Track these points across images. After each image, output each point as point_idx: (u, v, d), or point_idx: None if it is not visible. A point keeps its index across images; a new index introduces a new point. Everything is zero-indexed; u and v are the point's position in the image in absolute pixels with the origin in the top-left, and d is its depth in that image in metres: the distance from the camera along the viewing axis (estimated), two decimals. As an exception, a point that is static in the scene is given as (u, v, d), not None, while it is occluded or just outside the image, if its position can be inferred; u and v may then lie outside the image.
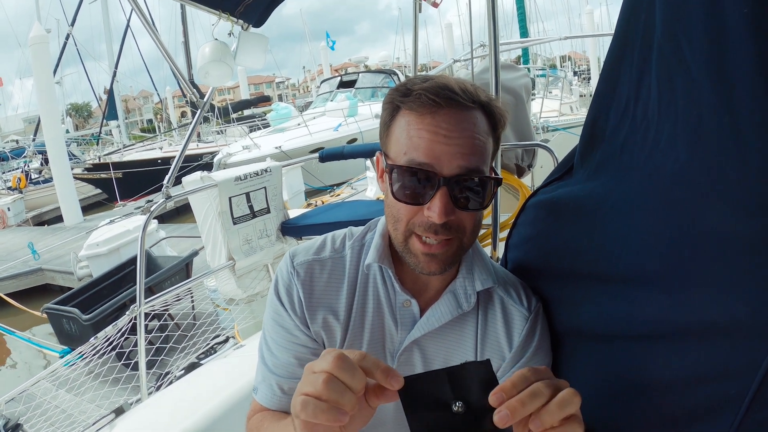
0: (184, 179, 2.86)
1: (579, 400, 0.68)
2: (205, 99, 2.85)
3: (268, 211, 2.99)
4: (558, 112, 13.03)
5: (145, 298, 2.33)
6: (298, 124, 13.77)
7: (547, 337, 1.07)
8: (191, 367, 2.72)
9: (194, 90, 3.02)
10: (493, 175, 0.93)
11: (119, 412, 1.73)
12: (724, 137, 0.70)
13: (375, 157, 1.02)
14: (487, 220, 3.34)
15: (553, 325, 1.08)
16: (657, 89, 0.82)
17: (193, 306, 4.78)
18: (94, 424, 1.67)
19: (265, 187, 2.95)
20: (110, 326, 2.24)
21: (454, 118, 0.87)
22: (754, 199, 0.68)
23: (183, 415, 1.64)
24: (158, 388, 2.65)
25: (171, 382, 2.29)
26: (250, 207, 2.89)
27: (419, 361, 1.04)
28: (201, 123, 17.63)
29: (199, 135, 18.79)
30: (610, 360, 0.94)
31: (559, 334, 1.08)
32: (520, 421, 0.65)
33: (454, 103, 0.86)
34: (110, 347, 2.42)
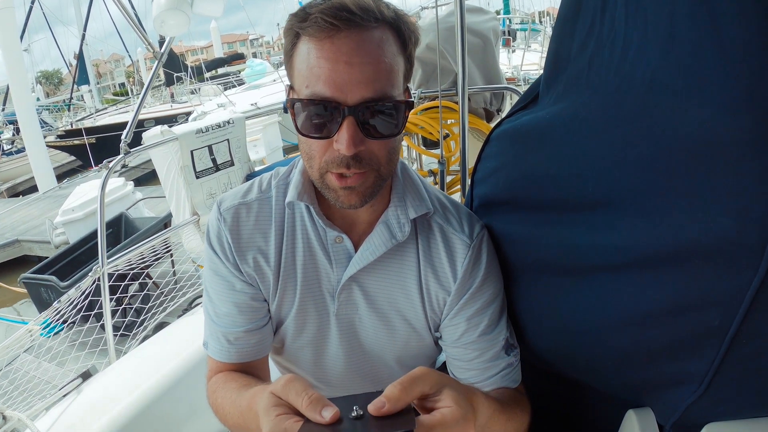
0: (145, 134, 2.78)
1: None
2: (162, 49, 2.75)
3: (232, 164, 2.91)
4: (538, 66, 12.88)
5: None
6: (274, 80, 13.48)
7: (495, 268, 1.03)
8: (159, 327, 2.69)
9: (150, 41, 2.90)
10: (405, 98, 0.86)
11: (86, 376, 1.68)
12: (702, 36, 0.62)
13: (286, 89, 0.94)
14: (456, 166, 3.32)
15: (512, 261, 1.04)
16: None
17: (172, 264, 4.73)
18: (60, 389, 1.62)
19: (228, 140, 2.86)
20: (73, 289, 2.19)
21: (355, 41, 0.79)
22: (740, 95, 0.60)
23: (148, 375, 1.62)
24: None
25: (140, 343, 2.26)
26: (213, 160, 2.81)
27: (360, 299, 1.01)
28: (170, 82, 17.25)
29: (172, 96, 18.44)
30: (577, 294, 0.89)
31: (518, 270, 1.03)
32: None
33: (353, 24, 0.79)
34: (75, 311, 2.37)
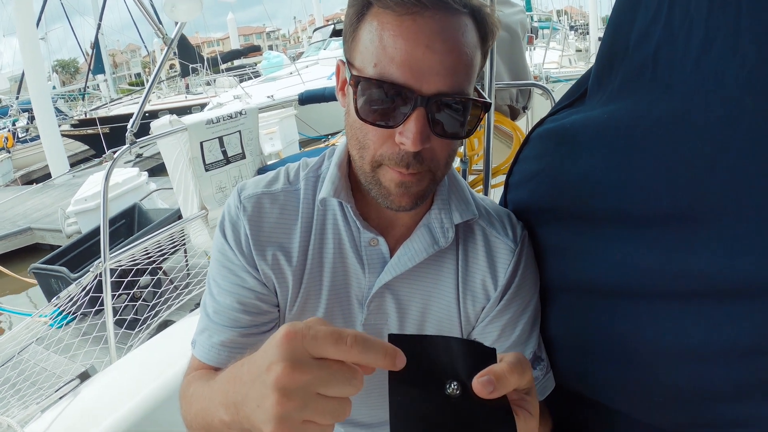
0: (153, 124, 2.68)
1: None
2: (173, 35, 2.65)
3: (243, 157, 2.79)
4: (558, 64, 12.75)
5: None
6: (290, 73, 13.40)
7: (533, 274, 0.94)
8: (163, 326, 2.60)
9: (161, 26, 2.81)
10: (480, 98, 0.76)
11: (84, 377, 1.60)
12: None
13: (336, 66, 0.84)
14: (479, 165, 3.21)
15: (551, 276, 0.93)
16: None
17: (186, 260, 4.65)
18: (57, 390, 1.54)
19: (239, 131, 2.74)
20: (73, 285, 2.10)
21: (440, 24, 0.70)
22: None
23: (148, 379, 1.53)
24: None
25: (142, 342, 2.17)
26: (224, 152, 2.70)
27: (392, 309, 0.90)
28: (185, 73, 17.22)
29: (187, 87, 18.40)
30: (632, 321, 0.77)
31: (558, 287, 0.92)
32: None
33: (441, 4, 0.70)
34: (75, 307, 2.28)
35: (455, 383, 0.51)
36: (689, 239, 0.67)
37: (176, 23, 2.56)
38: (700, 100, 0.64)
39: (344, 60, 0.80)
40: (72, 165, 12.97)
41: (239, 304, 0.86)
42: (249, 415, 0.53)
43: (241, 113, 2.77)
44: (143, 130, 2.46)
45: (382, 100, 0.72)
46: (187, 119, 2.62)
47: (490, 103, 0.78)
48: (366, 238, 0.88)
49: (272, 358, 0.50)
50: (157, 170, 12.06)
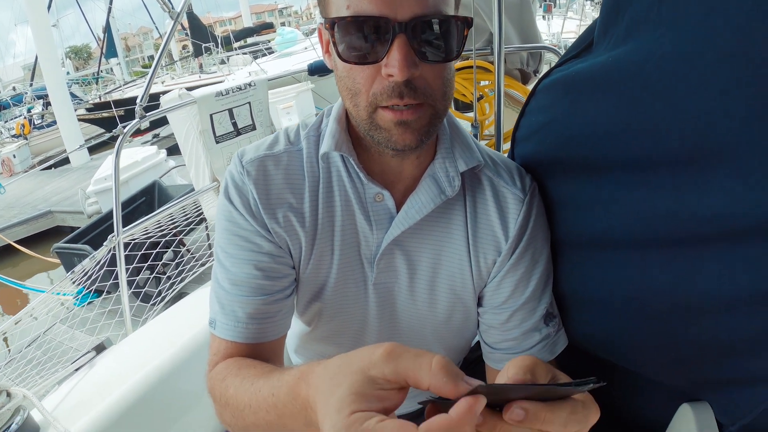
0: (163, 98, 2.66)
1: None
2: (179, 9, 2.61)
3: (254, 128, 2.76)
4: (576, 34, 12.51)
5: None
6: (306, 48, 13.27)
7: (544, 226, 0.91)
8: (178, 297, 2.61)
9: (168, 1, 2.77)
10: (460, 15, 0.74)
11: (100, 349, 1.60)
12: None
13: (317, 32, 0.83)
14: (490, 130, 3.16)
15: (562, 230, 0.90)
16: None
17: (207, 235, 4.67)
18: (73, 363, 1.54)
19: (249, 103, 2.71)
20: (87, 259, 2.10)
21: None
22: None
23: (162, 349, 1.52)
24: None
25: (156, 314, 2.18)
26: (234, 124, 2.67)
27: (403, 266, 0.88)
28: (198, 52, 17.16)
29: (201, 67, 18.38)
30: (647, 272, 0.74)
31: (569, 241, 0.89)
32: None
33: None
34: (90, 281, 2.28)
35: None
36: (702, 180, 0.64)
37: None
38: (707, 35, 0.60)
39: (322, 22, 0.78)
40: (89, 149, 13.09)
41: (258, 270, 0.84)
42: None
43: (250, 85, 2.74)
44: (154, 107, 2.44)
45: (361, 36, 0.70)
46: (197, 92, 2.60)
47: (472, 18, 0.75)
48: (371, 193, 0.85)
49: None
50: (176, 149, 12.13)
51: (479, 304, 0.94)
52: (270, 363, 0.80)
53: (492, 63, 1.98)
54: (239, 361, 0.80)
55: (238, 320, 0.83)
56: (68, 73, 29.99)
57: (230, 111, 2.66)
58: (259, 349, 0.84)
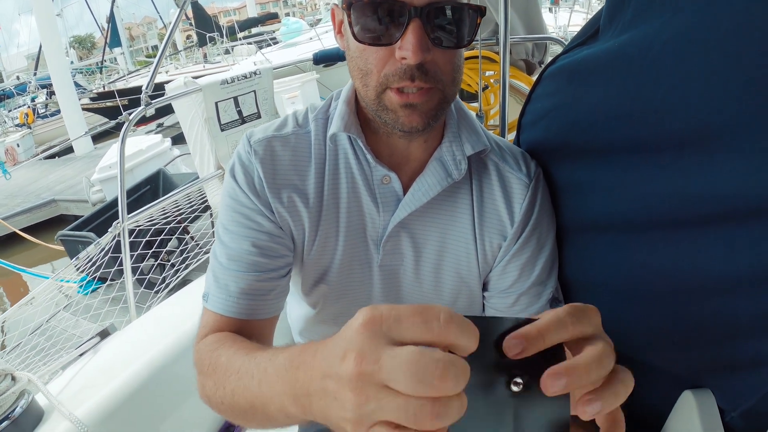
0: (168, 86, 2.67)
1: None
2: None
3: (259, 116, 2.77)
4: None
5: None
6: (311, 38, 13.22)
7: (549, 210, 0.92)
8: (182, 285, 2.61)
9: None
10: (473, 3, 0.75)
11: (104, 334, 1.61)
12: None
13: (330, 12, 0.84)
14: (495, 120, 3.15)
15: (567, 215, 0.90)
16: None
17: (212, 223, 4.67)
18: (77, 348, 1.55)
19: (254, 91, 2.72)
20: (92, 245, 2.11)
21: None
22: None
23: (165, 334, 1.53)
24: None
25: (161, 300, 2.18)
26: (239, 112, 2.68)
27: (409, 249, 0.89)
28: (203, 42, 17.12)
29: (205, 56, 18.36)
30: (651, 253, 0.75)
31: (574, 225, 0.89)
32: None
33: None
34: (95, 268, 2.29)
35: (518, 379, 0.42)
36: (706, 161, 0.64)
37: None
38: (709, 16, 0.61)
39: (337, 3, 0.80)
40: (93, 138, 13.08)
41: (255, 247, 0.84)
42: (324, 409, 0.45)
43: (255, 73, 2.74)
44: (159, 97, 2.44)
45: (376, 18, 0.71)
46: (203, 80, 2.60)
47: (485, 8, 0.77)
48: (378, 175, 0.86)
49: (348, 346, 0.41)
50: (180, 138, 12.12)
51: (485, 288, 0.95)
52: (258, 343, 0.76)
53: (497, 53, 1.97)
54: (234, 337, 0.79)
55: (230, 294, 0.83)
56: (72, 62, 29.96)
57: (235, 99, 2.67)
58: (249, 327, 0.84)
